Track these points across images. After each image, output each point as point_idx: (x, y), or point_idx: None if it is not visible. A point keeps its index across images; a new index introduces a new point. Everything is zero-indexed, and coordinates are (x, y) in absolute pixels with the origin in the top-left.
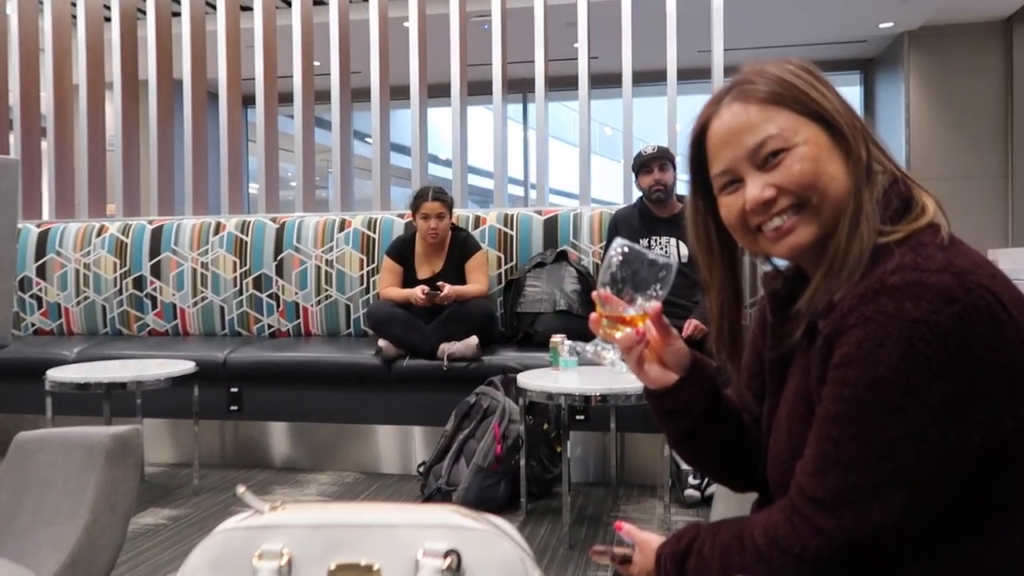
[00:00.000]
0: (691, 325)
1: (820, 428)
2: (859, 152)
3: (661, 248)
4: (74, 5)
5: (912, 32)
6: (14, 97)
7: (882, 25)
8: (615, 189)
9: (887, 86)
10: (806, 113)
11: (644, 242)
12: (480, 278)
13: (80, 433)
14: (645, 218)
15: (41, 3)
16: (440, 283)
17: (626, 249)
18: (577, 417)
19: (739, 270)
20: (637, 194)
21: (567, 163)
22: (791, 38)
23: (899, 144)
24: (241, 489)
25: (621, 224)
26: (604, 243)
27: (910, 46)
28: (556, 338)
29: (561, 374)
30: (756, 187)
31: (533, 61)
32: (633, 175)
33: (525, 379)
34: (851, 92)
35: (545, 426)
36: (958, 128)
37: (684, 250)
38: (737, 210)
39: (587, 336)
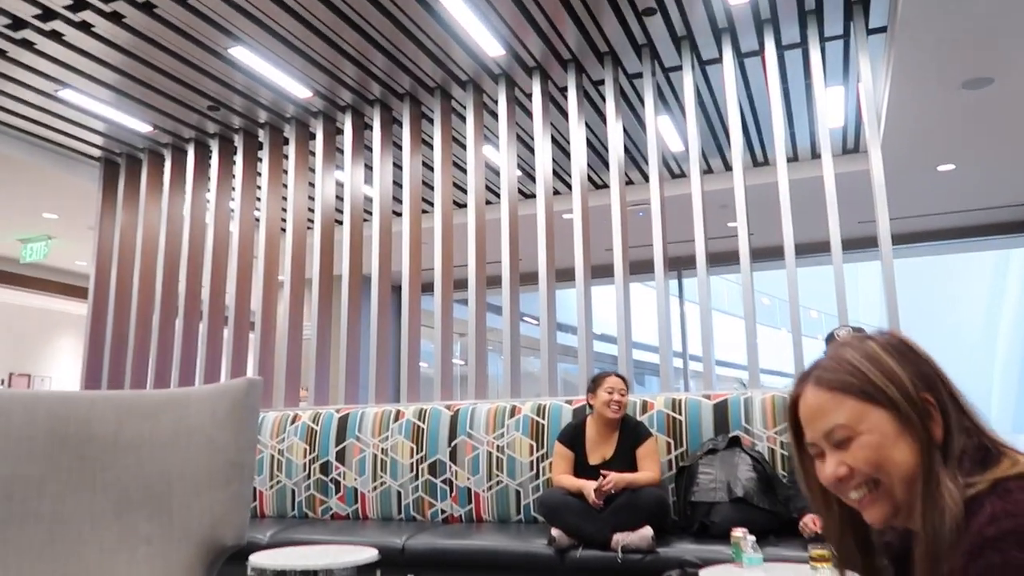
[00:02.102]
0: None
1: None
2: (930, 432)
3: None
4: (284, 220)
5: None
6: (230, 297)
7: None
8: (776, 358)
9: None
10: (872, 401)
11: None
12: (652, 465)
13: None
14: None
15: (257, 220)
16: (603, 471)
17: None
18: None
19: (859, 521)
20: (809, 361)
21: (720, 330)
22: (959, 204)
23: None
24: None
25: None
26: (778, 428)
27: None
28: (738, 532)
29: (746, 572)
30: (832, 465)
31: (686, 241)
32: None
33: None
34: None
35: None
36: None
37: None
38: (825, 478)
39: (767, 527)
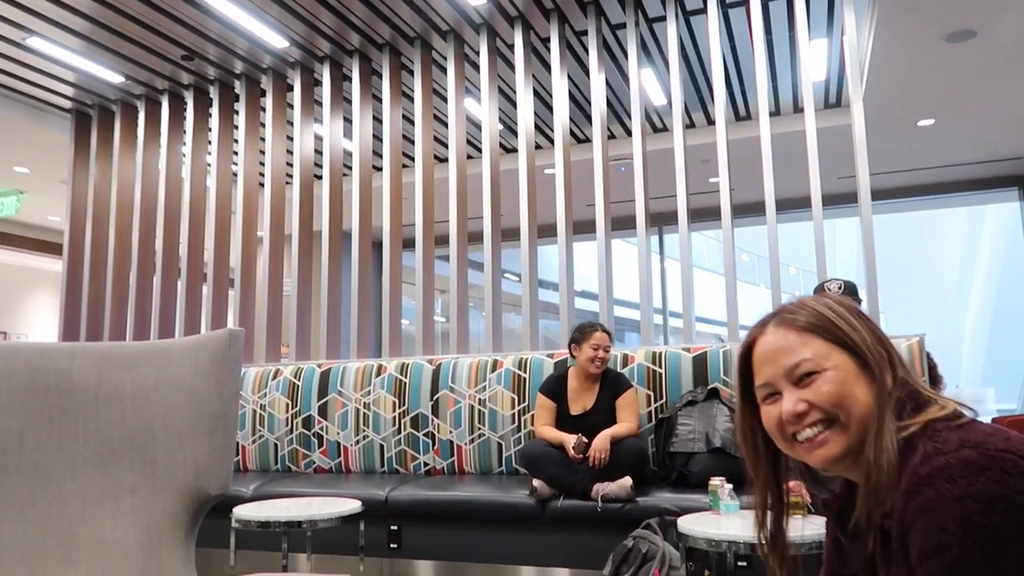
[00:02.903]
0: None
1: None
2: (883, 379)
3: None
4: (262, 175)
5: None
6: (208, 254)
7: None
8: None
9: None
10: (837, 343)
11: None
12: (630, 416)
13: None
14: None
15: (235, 174)
16: (585, 442)
17: None
18: (739, 564)
19: (782, 473)
20: None
21: (703, 286)
22: (937, 160)
23: None
24: None
25: None
26: None
27: None
28: (715, 481)
29: (723, 519)
30: (791, 401)
31: (668, 196)
32: None
33: (686, 524)
34: (1009, 209)
35: (706, 573)
36: None
37: None
38: (775, 418)
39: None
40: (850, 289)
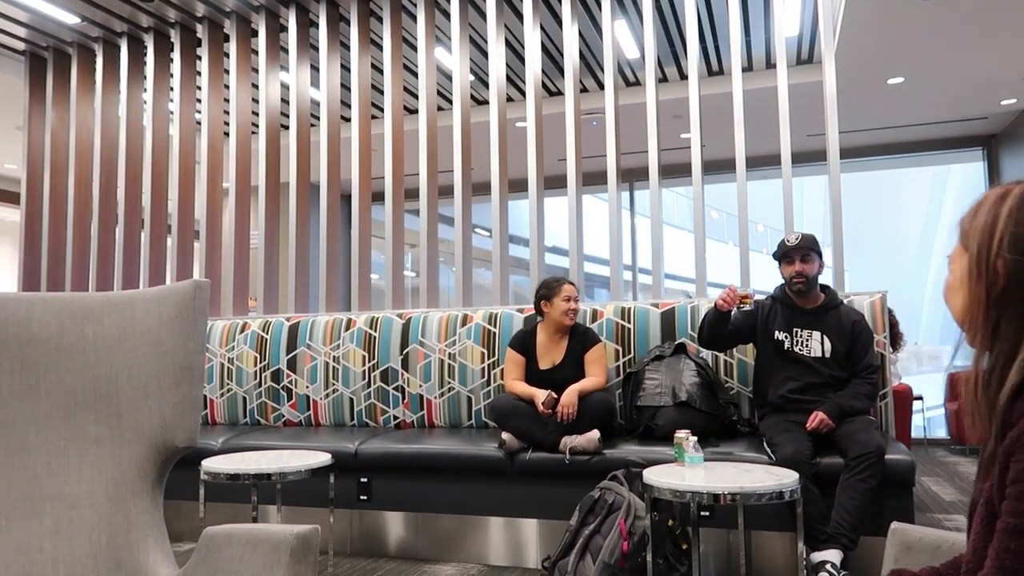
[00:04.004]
0: (816, 418)
1: (999, 540)
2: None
3: (802, 341)
4: (227, 124)
5: None
6: (173, 205)
7: (1004, 102)
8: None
9: (1013, 160)
10: (964, 245)
11: (783, 335)
12: (598, 371)
13: (264, 531)
14: (786, 309)
15: (199, 123)
16: (554, 397)
17: None
18: (703, 514)
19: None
20: (754, 276)
21: (672, 244)
22: (905, 118)
23: None
24: None
25: (762, 313)
26: None
27: None
28: (680, 434)
29: (687, 471)
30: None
31: (639, 152)
32: (776, 261)
33: (652, 476)
34: (974, 168)
35: (670, 522)
36: None
37: (827, 345)
38: None
39: (708, 429)
40: (807, 239)
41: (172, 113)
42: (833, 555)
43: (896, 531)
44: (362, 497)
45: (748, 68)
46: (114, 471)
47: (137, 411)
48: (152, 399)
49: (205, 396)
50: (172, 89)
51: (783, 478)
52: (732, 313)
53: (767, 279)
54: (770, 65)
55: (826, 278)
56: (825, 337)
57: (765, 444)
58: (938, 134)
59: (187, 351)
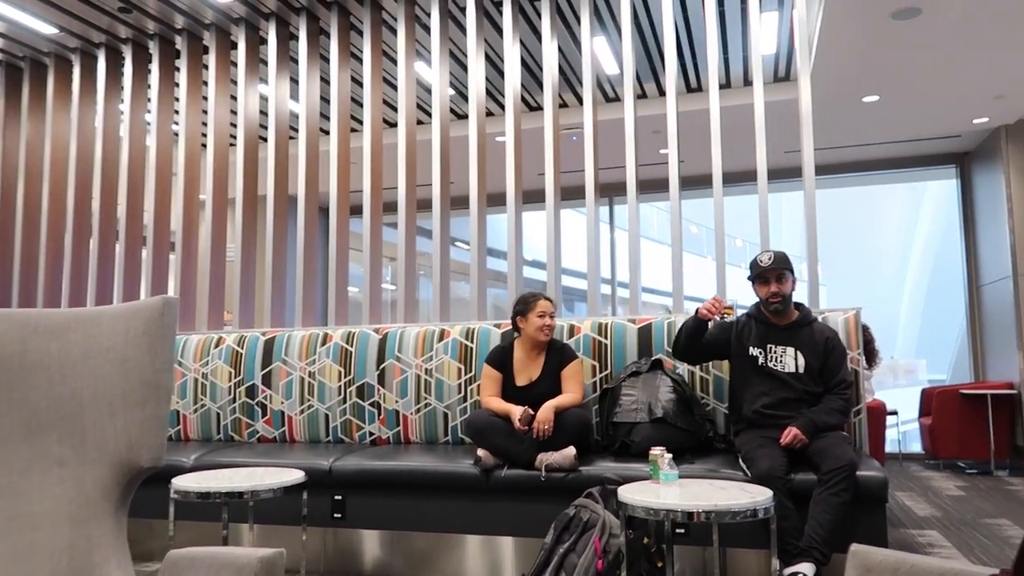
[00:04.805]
0: (790, 433)
1: None
2: None
3: (776, 357)
4: (205, 136)
5: (1009, 126)
6: (148, 217)
7: (976, 121)
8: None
9: (986, 178)
10: None
11: (758, 350)
12: (575, 387)
13: (228, 554)
14: (761, 325)
15: (176, 134)
16: (531, 414)
17: None
18: (678, 531)
19: None
20: (731, 290)
21: (650, 257)
22: (880, 136)
23: (1003, 237)
24: None
25: (736, 329)
26: None
27: (1008, 139)
28: (656, 451)
29: (662, 488)
30: None
31: (618, 167)
32: (750, 282)
33: (627, 493)
34: (948, 186)
35: (645, 540)
36: None
37: (801, 360)
38: None
39: (684, 445)
40: (780, 258)
41: (149, 124)
42: (806, 568)
43: (856, 553)
44: (336, 515)
45: (726, 85)
46: (77, 491)
47: (102, 430)
48: (117, 418)
49: (178, 412)
50: (149, 100)
51: (757, 496)
52: (709, 325)
53: (746, 293)
54: (747, 82)
55: (801, 294)
56: (799, 353)
57: (740, 460)
58: (912, 151)
59: (154, 369)
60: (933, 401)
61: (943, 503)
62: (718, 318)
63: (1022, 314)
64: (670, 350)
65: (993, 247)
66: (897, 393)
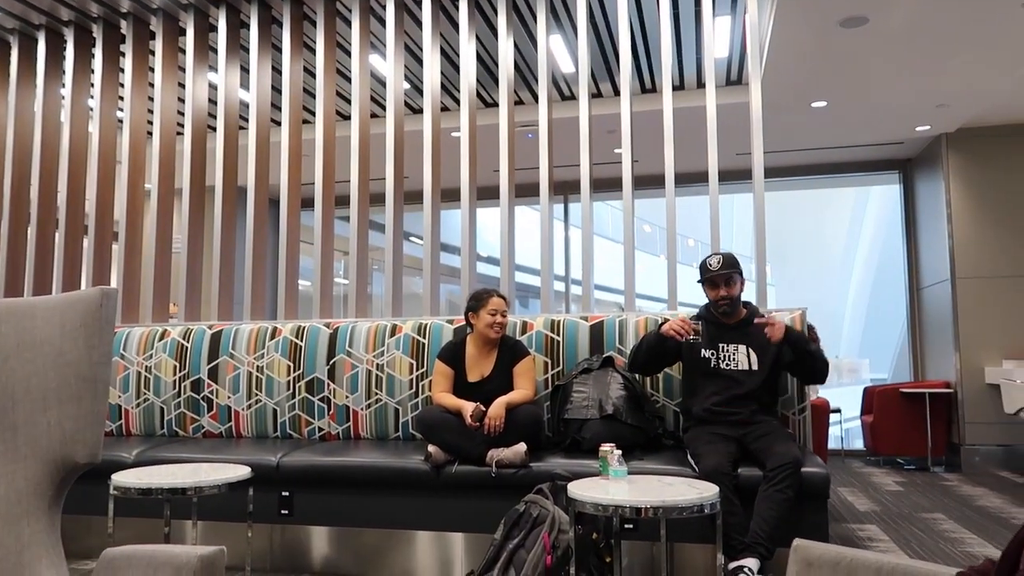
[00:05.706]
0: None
1: None
2: None
3: (728, 356)
4: (151, 123)
5: (950, 134)
6: (91, 205)
7: (919, 128)
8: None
9: (927, 185)
10: None
11: (710, 352)
12: (527, 383)
13: (167, 552)
14: (710, 326)
15: (121, 121)
16: (482, 410)
17: None
18: (626, 526)
19: None
20: (682, 289)
21: (604, 255)
22: (827, 141)
23: (942, 242)
24: None
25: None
26: None
27: (948, 147)
28: (605, 447)
29: (611, 484)
30: None
31: (573, 165)
32: (700, 284)
33: (576, 489)
34: (890, 191)
35: (594, 535)
36: (1001, 226)
37: (754, 357)
38: None
39: (634, 442)
40: (729, 261)
41: (92, 110)
42: (751, 563)
43: (798, 548)
44: (283, 511)
45: (679, 87)
46: (7, 488)
47: (34, 425)
48: (51, 412)
49: (119, 406)
50: (93, 85)
51: (704, 492)
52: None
53: (696, 293)
54: (700, 85)
55: (750, 293)
56: (751, 350)
57: (689, 456)
58: (858, 157)
59: (91, 362)
60: (874, 399)
61: (882, 498)
62: (687, 338)
63: (959, 316)
64: (622, 347)
65: (933, 251)
66: (841, 392)
